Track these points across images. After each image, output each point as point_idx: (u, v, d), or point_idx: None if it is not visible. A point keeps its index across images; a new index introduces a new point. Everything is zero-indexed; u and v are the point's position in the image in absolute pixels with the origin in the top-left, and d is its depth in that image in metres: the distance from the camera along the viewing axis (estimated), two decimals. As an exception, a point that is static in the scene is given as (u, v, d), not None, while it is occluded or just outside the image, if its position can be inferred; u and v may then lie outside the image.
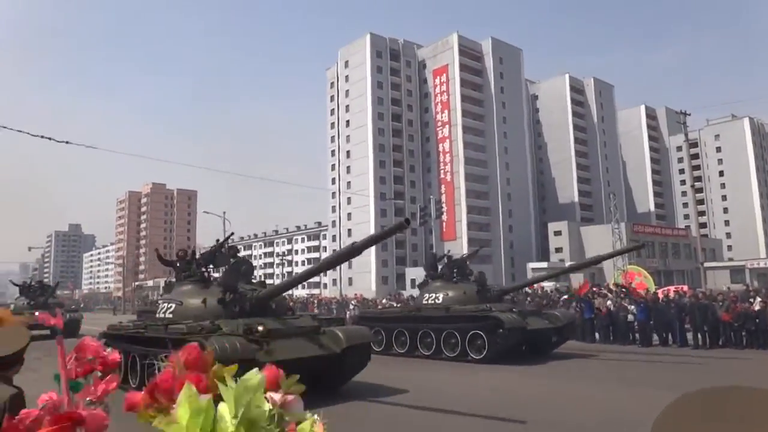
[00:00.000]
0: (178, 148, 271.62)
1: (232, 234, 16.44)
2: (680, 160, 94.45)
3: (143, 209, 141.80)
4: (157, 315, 11.42)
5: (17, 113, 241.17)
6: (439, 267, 18.08)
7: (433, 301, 16.34)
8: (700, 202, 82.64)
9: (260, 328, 9.40)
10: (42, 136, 19.55)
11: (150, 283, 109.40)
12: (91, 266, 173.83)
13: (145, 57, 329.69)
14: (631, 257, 41.71)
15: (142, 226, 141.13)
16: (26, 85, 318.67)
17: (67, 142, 20.72)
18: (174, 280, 12.32)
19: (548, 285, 36.12)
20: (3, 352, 2.79)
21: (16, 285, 31.11)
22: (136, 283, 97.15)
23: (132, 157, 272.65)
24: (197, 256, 12.11)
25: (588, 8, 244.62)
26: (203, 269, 11.58)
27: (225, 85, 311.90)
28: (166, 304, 11.35)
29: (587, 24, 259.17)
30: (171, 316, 10.83)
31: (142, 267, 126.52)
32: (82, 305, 68.06)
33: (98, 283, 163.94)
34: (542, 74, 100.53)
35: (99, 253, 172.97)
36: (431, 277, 17.49)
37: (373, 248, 73.80)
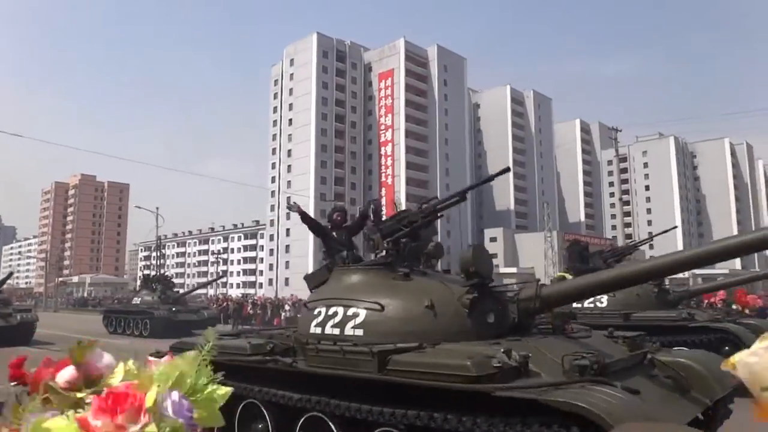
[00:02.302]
0: (111, 141, 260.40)
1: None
2: (610, 173, 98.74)
3: (70, 201, 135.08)
4: (313, 328, 5.29)
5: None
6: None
7: (592, 305, 11.24)
8: (627, 213, 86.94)
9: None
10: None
11: (75, 279, 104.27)
12: (11, 260, 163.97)
13: (82, 44, 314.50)
14: (562, 264, 43.25)
15: (69, 219, 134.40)
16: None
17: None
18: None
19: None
20: None
21: None
22: (60, 279, 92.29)
23: (62, 148, 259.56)
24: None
25: (535, 21, 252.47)
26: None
27: (164, 77, 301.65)
28: (334, 308, 5.24)
29: (533, 37, 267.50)
30: (361, 333, 4.96)
31: (66, 262, 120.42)
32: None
33: (17, 278, 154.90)
34: (485, 84, 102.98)
35: (20, 246, 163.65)
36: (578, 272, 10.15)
37: (310, 249, 73.28)
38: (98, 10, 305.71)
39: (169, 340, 19.20)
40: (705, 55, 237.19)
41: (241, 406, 5.58)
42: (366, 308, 4.99)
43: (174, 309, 24.22)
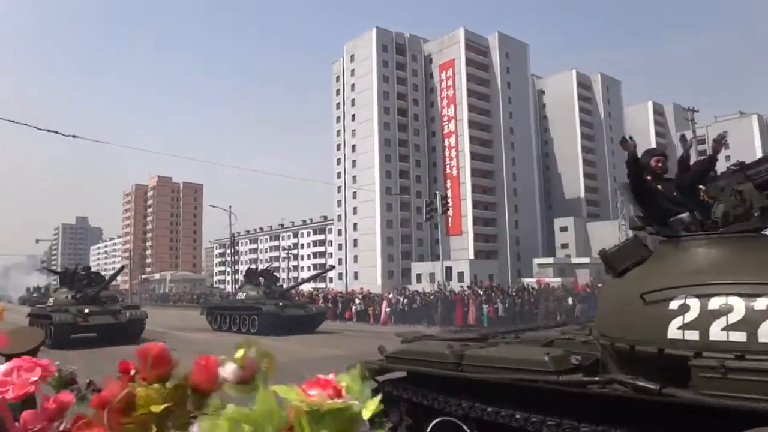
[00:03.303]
0: (184, 142, 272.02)
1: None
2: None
3: (149, 202, 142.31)
4: (675, 332, 3.31)
5: (30, 109, 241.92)
6: None
7: None
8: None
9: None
10: (49, 130, 19.66)
11: (157, 276, 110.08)
12: (98, 259, 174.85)
13: (152, 47, 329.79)
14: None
15: (149, 219, 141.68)
16: (44, 81, 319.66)
17: (74, 136, 20.78)
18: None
19: (554, 281, 36.15)
20: (15, 350, 2.89)
21: (55, 272, 25.17)
22: (143, 276, 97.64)
23: (140, 151, 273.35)
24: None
25: (595, 2, 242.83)
26: None
27: (230, 77, 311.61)
28: (718, 300, 3.18)
29: (595, 19, 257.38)
30: None
31: (148, 260, 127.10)
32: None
33: (105, 275, 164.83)
34: (549, 69, 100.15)
35: (106, 246, 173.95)
36: None
37: (378, 243, 74.03)
38: (157, 19, 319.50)
39: (278, 336, 19.47)
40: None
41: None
42: None
43: (281, 304, 23.29)
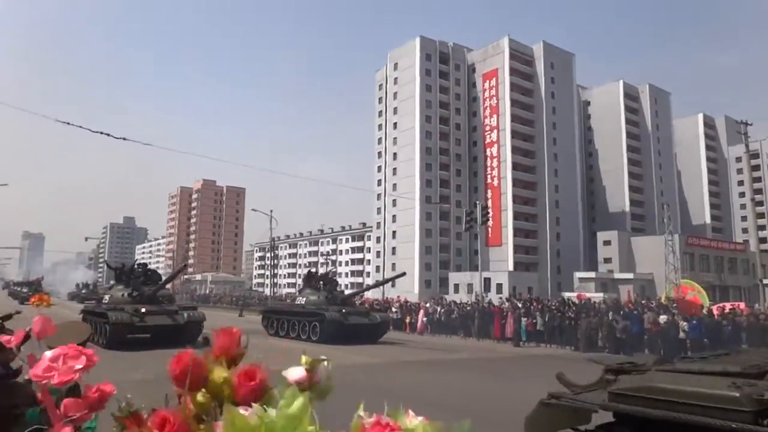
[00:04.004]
0: (228, 146, 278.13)
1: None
2: (740, 171, 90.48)
3: (193, 205, 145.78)
4: None
5: (87, 114, 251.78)
6: None
7: None
8: (761, 215, 78.96)
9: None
10: (101, 132, 20.41)
11: (198, 277, 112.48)
12: (143, 258, 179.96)
13: (197, 57, 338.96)
14: (685, 270, 40.33)
15: (192, 221, 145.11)
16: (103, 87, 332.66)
17: (124, 139, 21.52)
18: None
19: (595, 296, 35.32)
20: (62, 343, 3.02)
21: (111, 267, 23.70)
22: (185, 277, 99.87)
23: (185, 154, 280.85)
24: None
25: (643, 11, 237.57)
26: None
27: (274, 85, 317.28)
28: None
29: (642, 28, 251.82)
30: None
31: (191, 261, 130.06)
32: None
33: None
34: (595, 80, 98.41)
35: (150, 246, 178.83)
36: None
37: (416, 251, 73.83)
38: (205, 27, 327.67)
39: (340, 345, 18.76)
40: None
41: None
42: None
43: (344, 311, 21.75)
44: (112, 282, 25.72)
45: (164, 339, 17.26)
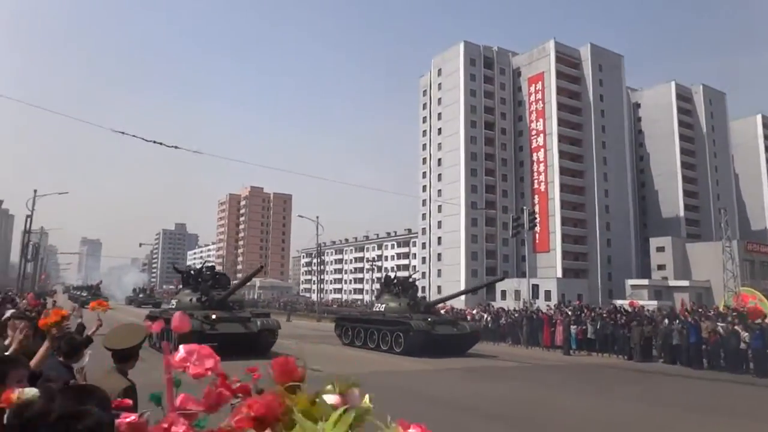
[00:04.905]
0: (276, 154, 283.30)
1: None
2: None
3: (242, 211, 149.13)
4: None
5: (138, 123, 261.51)
6: None
7: None
8: (827, 220, 74.91)
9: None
10: (154, 141, 21.17)
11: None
12: (194, 263, 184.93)
13: (248, 66, 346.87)
14: (745, 278, 38.70)
15: (241, 227, 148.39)
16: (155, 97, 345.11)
17: (175, 147, 22.22)
18: None
19: (649, 304, 34.32)
20: (120, 345, 3.22)
21: (178, 271, 22.60)
22: (234, 282, 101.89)
23: (233, 162, 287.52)
24: None
25: (694, 10, 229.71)
26: None
27: (320, 92, 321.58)
28: None
29: (693, 27, 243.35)
30: None
31: (239, 266, 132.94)
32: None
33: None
34: (645, 81, 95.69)
35: (201, 251, 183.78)
36: None
37: (462, 257, 73.34)
38: (251, 45, 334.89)
39: (428, 359, 17.27)
40: None
41: None
42: None
43: (429, 320, 19.91)
44: (171, 286, 25.90)
45: (234, 348, 14.50)
